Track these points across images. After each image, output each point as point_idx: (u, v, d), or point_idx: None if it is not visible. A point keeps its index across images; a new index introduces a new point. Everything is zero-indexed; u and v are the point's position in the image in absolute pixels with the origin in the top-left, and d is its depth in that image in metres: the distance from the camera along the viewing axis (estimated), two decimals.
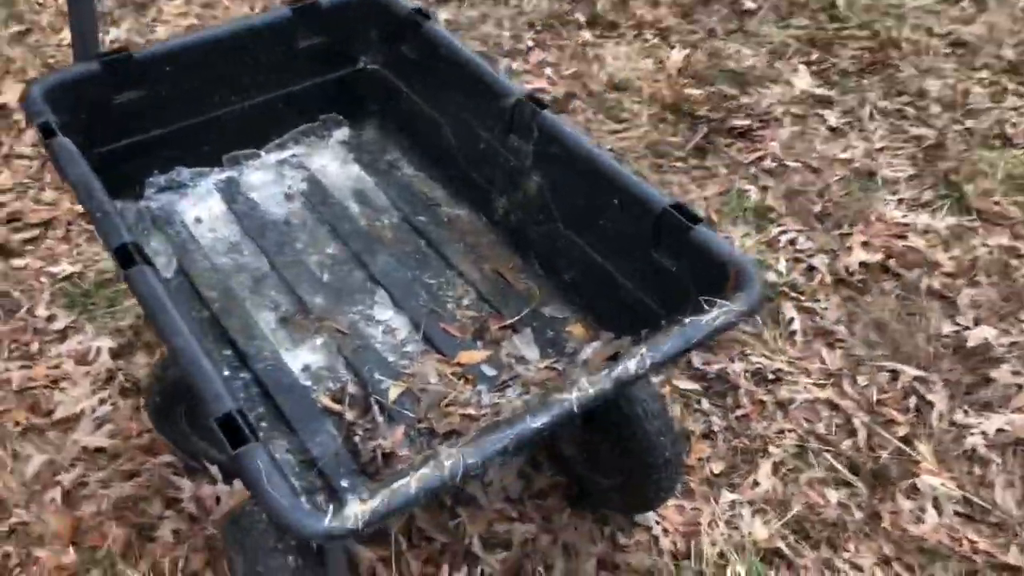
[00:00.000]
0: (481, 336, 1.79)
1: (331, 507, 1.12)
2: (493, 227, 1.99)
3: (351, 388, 1.68)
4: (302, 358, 1.74)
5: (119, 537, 1.95)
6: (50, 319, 2.41)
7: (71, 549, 1.93)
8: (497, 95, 1.84)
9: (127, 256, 1.46)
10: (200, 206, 2.04)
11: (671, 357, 1.34)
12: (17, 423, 2.16)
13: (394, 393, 1.66)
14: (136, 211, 2.01)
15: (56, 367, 2.29)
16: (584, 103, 3.29)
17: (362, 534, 1.12)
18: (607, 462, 1.94)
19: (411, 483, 1.16)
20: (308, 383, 1.70)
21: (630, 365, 1.31)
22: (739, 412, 2.30)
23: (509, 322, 1.81)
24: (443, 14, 3.73)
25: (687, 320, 1.38)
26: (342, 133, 2.22)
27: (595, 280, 1.77)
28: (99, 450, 2.12)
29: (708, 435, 2.25)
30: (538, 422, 1.24)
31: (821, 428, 2.28)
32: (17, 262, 2.56)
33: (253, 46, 2.02)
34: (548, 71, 3.43)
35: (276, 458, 1.22)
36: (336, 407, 1.65)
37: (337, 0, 2.08)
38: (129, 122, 1.95)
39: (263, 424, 1.63)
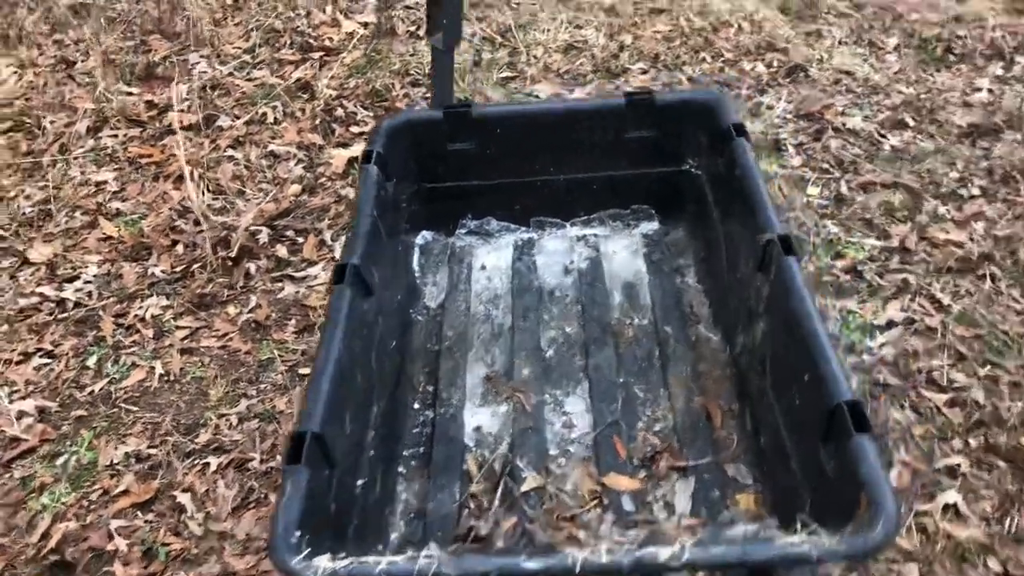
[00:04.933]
0: (646, 465, 1.69)
1: (306, 551, 1.19)
2: (732, 362, 1.85)
3: (496, 463, 1.71)
4: (480, 418, 1.82)
5: None
6: None
7: None
8: (760, 227, 1.71)
9: (341, 274, 1.67)
10: (492, 255, 2.21)
11: (716, 564, 1.16)
12: None
13: (529, 484, 1.66)
14: (443, 244, 2.25)
15: None
16: (1003, 271, 2.81)
17: None
18: None
19: (379, 564, 1.17)
20: (470, 443, 1.77)
21: (661, 553, 1.16)
22: None
23: (683, 464, 1.68)
24: (893, 139, 3.46)
25: (763, 533, 1.17)
26: (649, 226, 2.23)
27: (779, 454, 1.56)
28: None
29: None
30: (531, 565, 1.16)
31: None
32: None
33: (583, 127, 2.13)
34: (978, 225, 2.99)
35: (315, 488, 1.32)
36: (474, 473, 1.70)
37: (671, 99, 2.10)
38: (458, 168, 2.19)
39: (413, 463, 1.74)
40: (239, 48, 4.29)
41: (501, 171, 2.19)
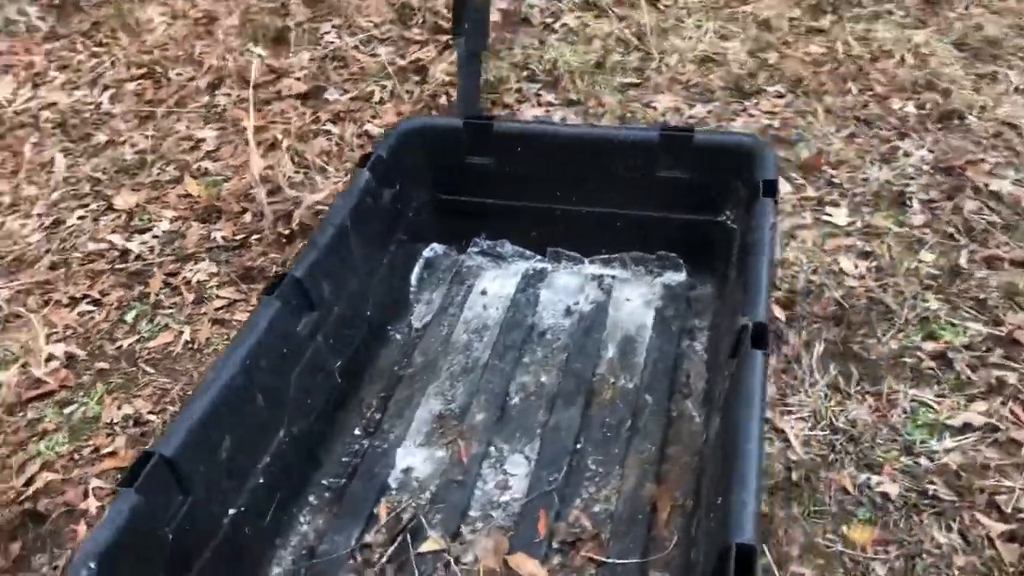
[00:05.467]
0: (564, 551, 1.49)
1: None
2: (703, 452, 1.61)
3: (406, 514, 1.56)
4: (414, 459, 1.68)
5: None
6: None
7: None
8: (746, 310, 1.46)
9: (277, 284, 1.57)
10: (498, 281, 2.05)
11: None
12: None
13: (427, 547, 1.50)
14: (452, 260, 2.11)
15: None
16: None
17: None
18: None
19: None
20: (393, 484, 1.63)
21: None
22: None
23: (606, 560, 1.47)
24: None
25: None
26: (674, 277, 2.00)
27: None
28: None
29: None
30: None
31: None
32: None
33: (611, 157, 1.92)
34: None
35: (146, 515, 1.23)
36: (383, 519, 1.56)
37: (710, 140, 1.85)
38: (475, 183, 2.03)
39: (327, 494, 1.62)
40: (371, 22, 4.28)
41: (520, 193, 2.02)
